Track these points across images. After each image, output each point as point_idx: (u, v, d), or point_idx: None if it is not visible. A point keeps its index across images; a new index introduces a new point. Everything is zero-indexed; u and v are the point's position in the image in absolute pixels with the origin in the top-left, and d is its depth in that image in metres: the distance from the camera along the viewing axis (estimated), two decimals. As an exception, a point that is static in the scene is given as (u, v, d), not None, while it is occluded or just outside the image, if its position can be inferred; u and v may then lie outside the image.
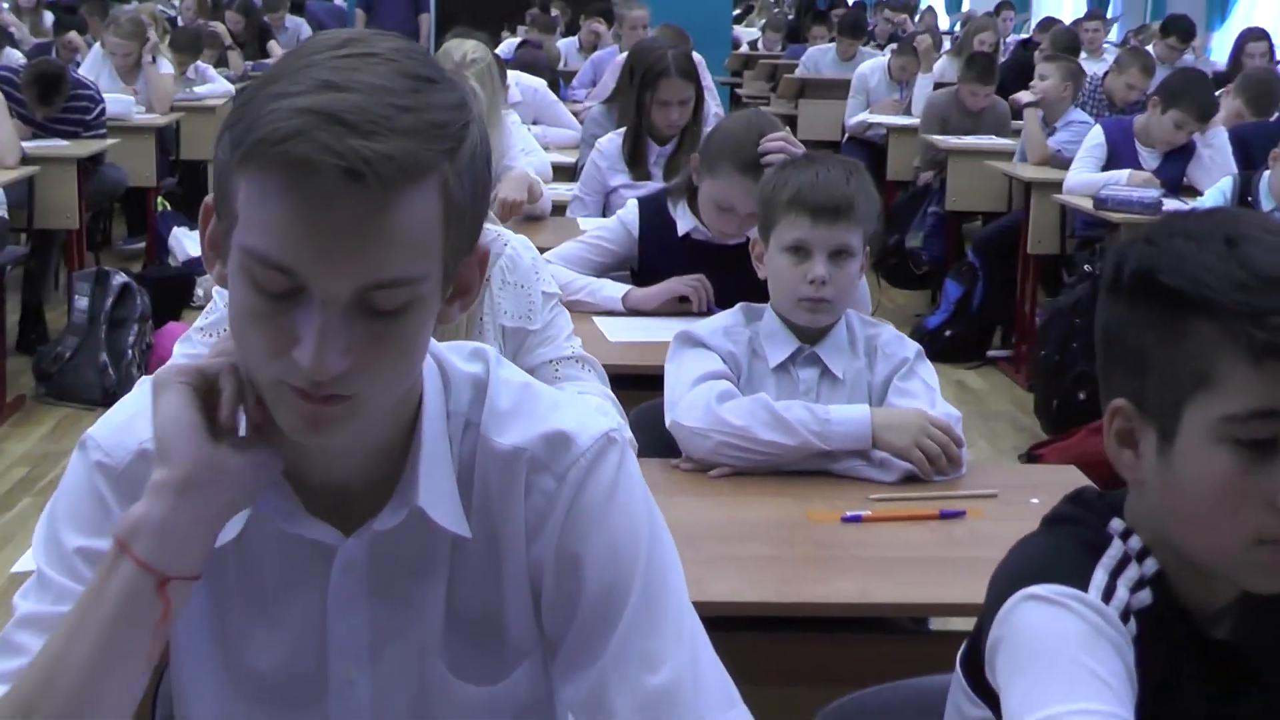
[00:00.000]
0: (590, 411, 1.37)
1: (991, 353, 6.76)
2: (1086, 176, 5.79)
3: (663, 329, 3.20)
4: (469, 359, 1.35)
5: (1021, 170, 6.56)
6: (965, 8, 19.19)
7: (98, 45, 7.79)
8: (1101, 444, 1.40)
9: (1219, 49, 12.35)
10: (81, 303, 5.73)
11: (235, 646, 1.34)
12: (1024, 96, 6.68)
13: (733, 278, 3.50)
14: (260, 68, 10.13)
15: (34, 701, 1.19)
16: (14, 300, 6.24)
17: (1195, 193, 5.70)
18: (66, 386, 5.65)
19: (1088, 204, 5.61)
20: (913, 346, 2.64)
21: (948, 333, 6.56)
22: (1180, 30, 9.92)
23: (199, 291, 6.97)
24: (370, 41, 1.17)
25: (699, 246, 3.55)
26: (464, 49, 4.32)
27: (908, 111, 8.63)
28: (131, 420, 1.31)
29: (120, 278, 5.79)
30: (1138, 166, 5.81)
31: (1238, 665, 1.38)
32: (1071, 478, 2.61)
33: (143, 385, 1.37)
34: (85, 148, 6.24)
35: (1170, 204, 5.35)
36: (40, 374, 5.71)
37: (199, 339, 2.48)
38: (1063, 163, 6.38)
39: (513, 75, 6.17)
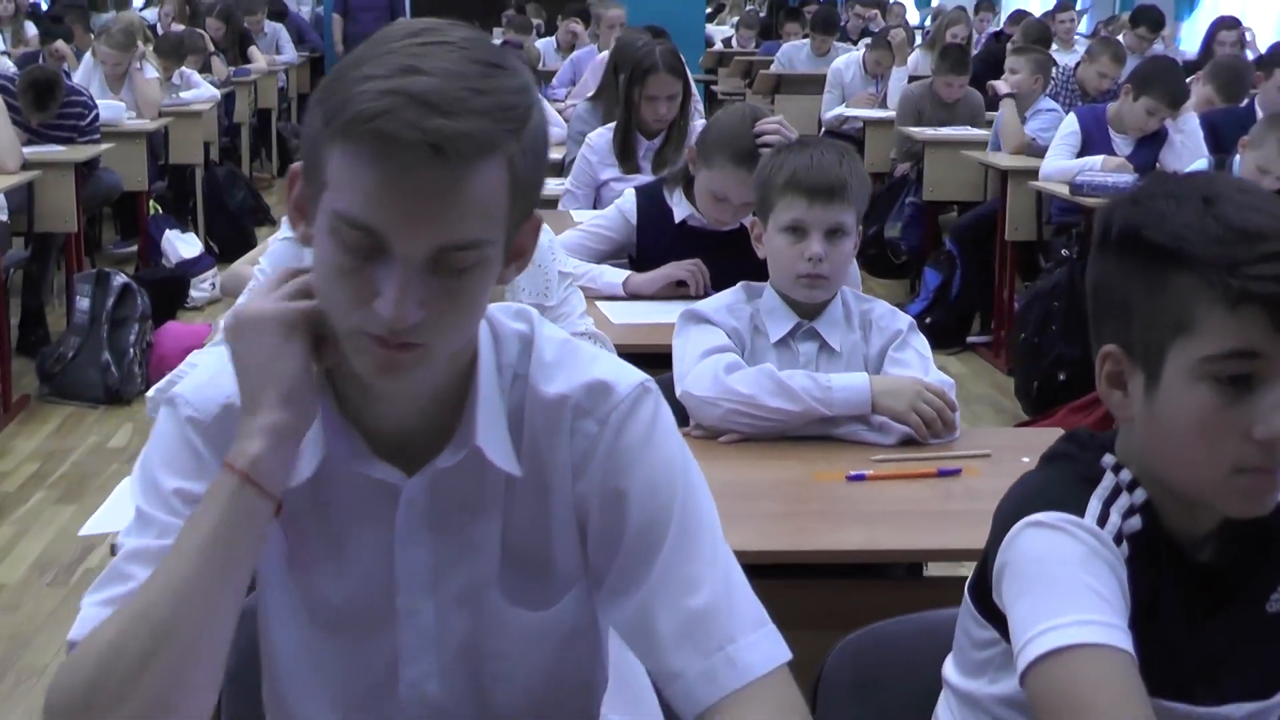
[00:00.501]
0: (625, 364, 1.52)
1: (971, 338, 6.93)
2: (1062, 164, 5.96)
3: (662, 311, 3.37)
4: (515, 318, 1.50)
5: (998, 159, 6.72)
6: (935, 3, 19.35)
7: (89, 54, 7.89)
8: (1081, 421, 1.56)
9: (1188, 39, 12.56)
10: (83, 304, 5.85)
11: (312, 580, 1.48)
12: (1000, 86, 6.83)
13: (727, 262, 3.64)
14: (243, 73, 10.26)
15: (157, 611, 1.32)
16: (14, 303, 6.34)
17: (1167, 177, 5.85)
18: (69, 385, 5.77)
19: (1064, 190, 5.77)
20: (905, 319, 2.79)
21: (928, 320, 6.69)
22: (1150, 20, 10.11)
23: (193, 293, 7.10)
24: (443, 31, 1.31)
25: (695, 233, 3.69)
26: None
27: (883, 105, 8.77)
28: (214, 379, 1.45)
29: (120, 278, 5.91)
30: (1111, 153, 5.98)
31: (1218, 586, 1.53)
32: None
33: (221, 348, 1.52)
34: (82, 153, 6.36)
35: (1143, 188, 5.51)
36: (44, 374, 5.82)
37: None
38: (1036, 151, 6.56)
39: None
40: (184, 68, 8.50)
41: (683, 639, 1.38)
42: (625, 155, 4.97)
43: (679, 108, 4.96)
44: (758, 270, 3.74)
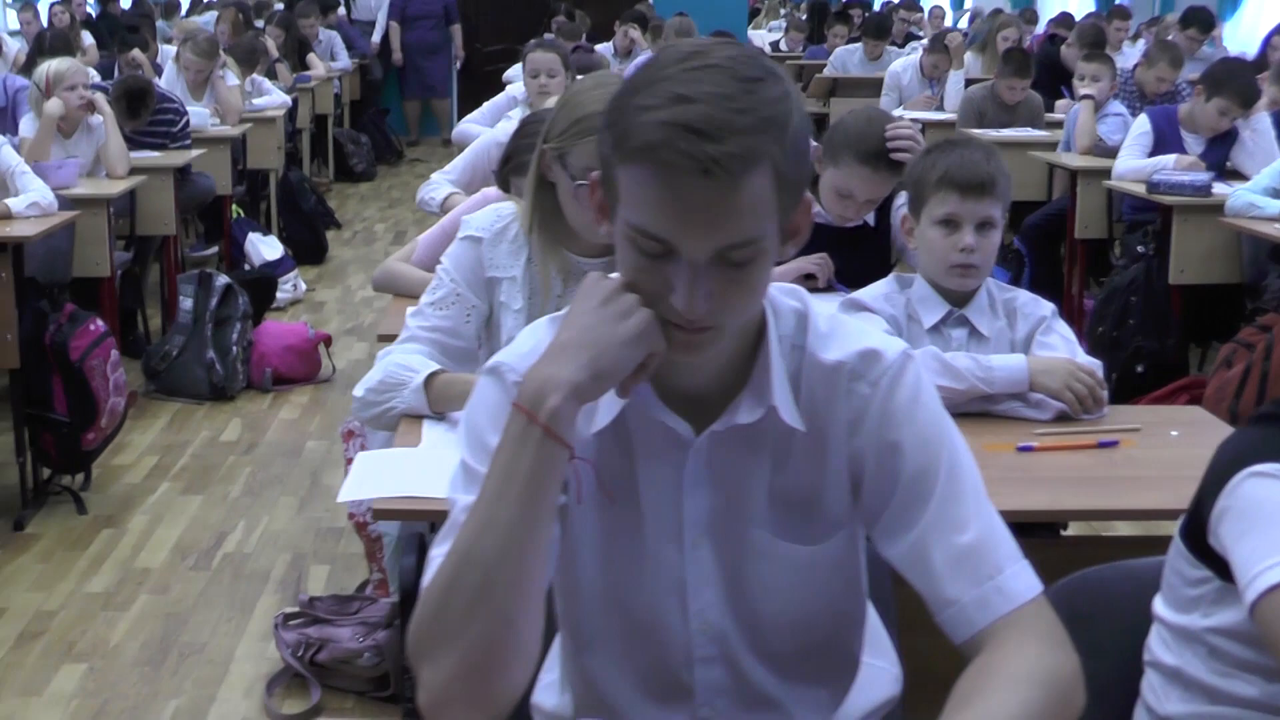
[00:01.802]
0: (888, 335, 1.71)
1: (1040, 333, 7.06)
2: (1135, 163, 6.13)
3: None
4: (789, 295, 1.69)
5: (1069, 159, 6.89)
6: (968, 5, 19.51)
7: (171, 61, 8.10)
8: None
9: (1230, 39, 12.68)
10: (186, 304, 6.04)
11: (614, 514, 1.67)
12: (1083, 89, 6.99)
13: (850, 256, 3.84)
14: (304, 79, 10.45)
15: (483, 552, 1.48)
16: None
17: (1239, 175, 6.03)
18: (174, 383, 5.96)
19: (1139, 189, 5.94)
20: (1048, 306, 2.97)
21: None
22: (1200, 22, 10.25)
23: (279, 295, 7.30)
24: (709, 53, 1.48)
25: (820, 229, 3.85)
26: None
27: (940, 107, 8.95)
28: (535, 349, 1.62)
29: (222, 279, 6.11)
30: (1183, 151, 6.14)
31: None
32: (1197, 415, 2.96)
33: (534, 326, 1.71)
34: (180, 157, 6.56)
35: (1219, 187, 5.69)
36: (149, 372, 6.02)
37: (431, 312, 2.78)
38: (1105, 151, 6.73)
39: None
40: (254, 74, 8.70)
41: (956, 570, 1.56)
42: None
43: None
44: (877, 263, 3.96)
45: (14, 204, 4.89)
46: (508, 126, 5.03)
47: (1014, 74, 7.50)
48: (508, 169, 3.61)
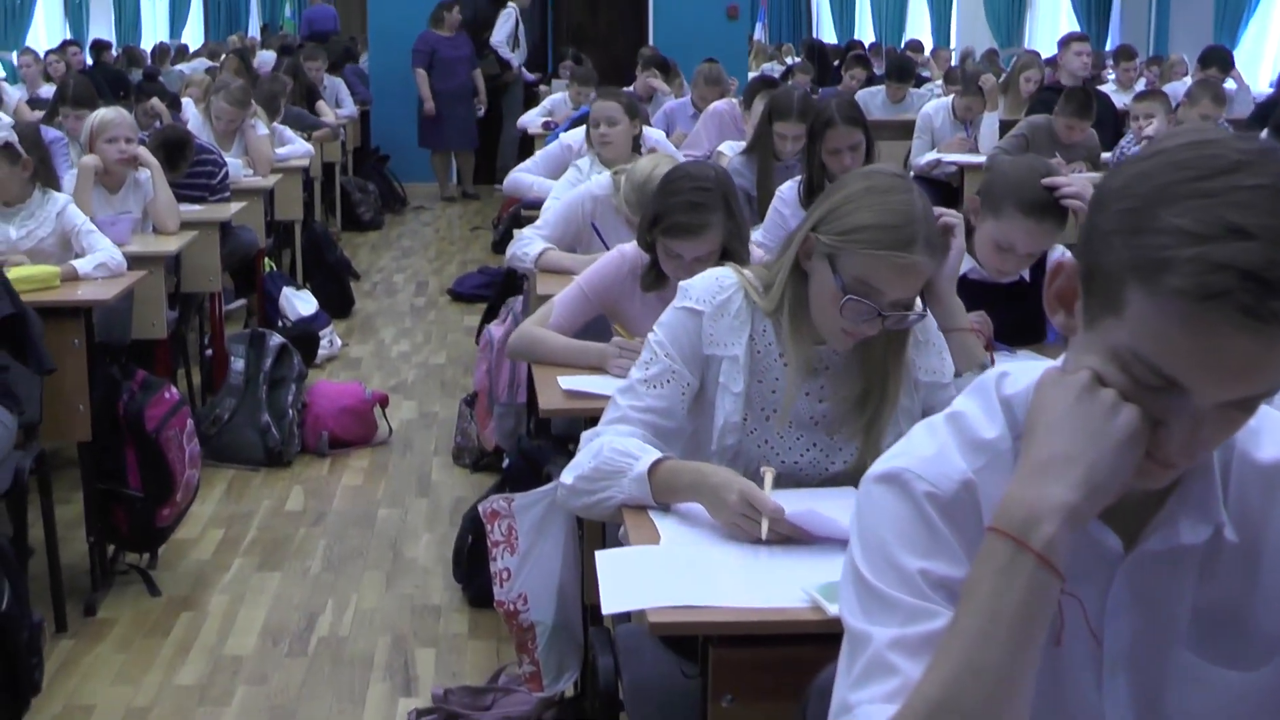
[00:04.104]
0: None
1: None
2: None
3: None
4: None
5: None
6: (954, 43, 19.50)
7: (198, 111, 7.84)
8: None
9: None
10: (237, 364, 5.78)
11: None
12: (1144, 129, 6.87)
13: (1006, 313, 3.62)
14: (321, 124, 10.17)
15: (968, 701, 1.28)
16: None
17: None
18: (226, 448, 5.69)
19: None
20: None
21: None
22: (1220, 61, 10.18)
23: (321, 352, 7.03)
24: (1257, 166, 1.25)
25: (974, 285, 3.65)
26: (652, 172, 4.21)
27: (974, 149, 8.79)
28: (942, 454, 1.44)
29: (276, 338, 5.85)
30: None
31: None
32: None
33: (931, 421, 1.48)
34: (224, 210, 6.30)
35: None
36: (200, 437, 5.72)
37: (644, 390, 2.54)
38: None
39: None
40: (276, 123, 8.46)
41: None
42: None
43: (864, 157, 4.96)
44: (1035, 320, 3.75)
45: (80, 265, 4.63)
46: (602, 180, 4.80)
47: (1075, 114, 7.32)
48: (659, 229, 3.38)
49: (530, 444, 4.47)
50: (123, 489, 4.40)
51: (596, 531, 3.09)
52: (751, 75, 14.81)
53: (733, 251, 3.37)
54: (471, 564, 4.34)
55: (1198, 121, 7.54)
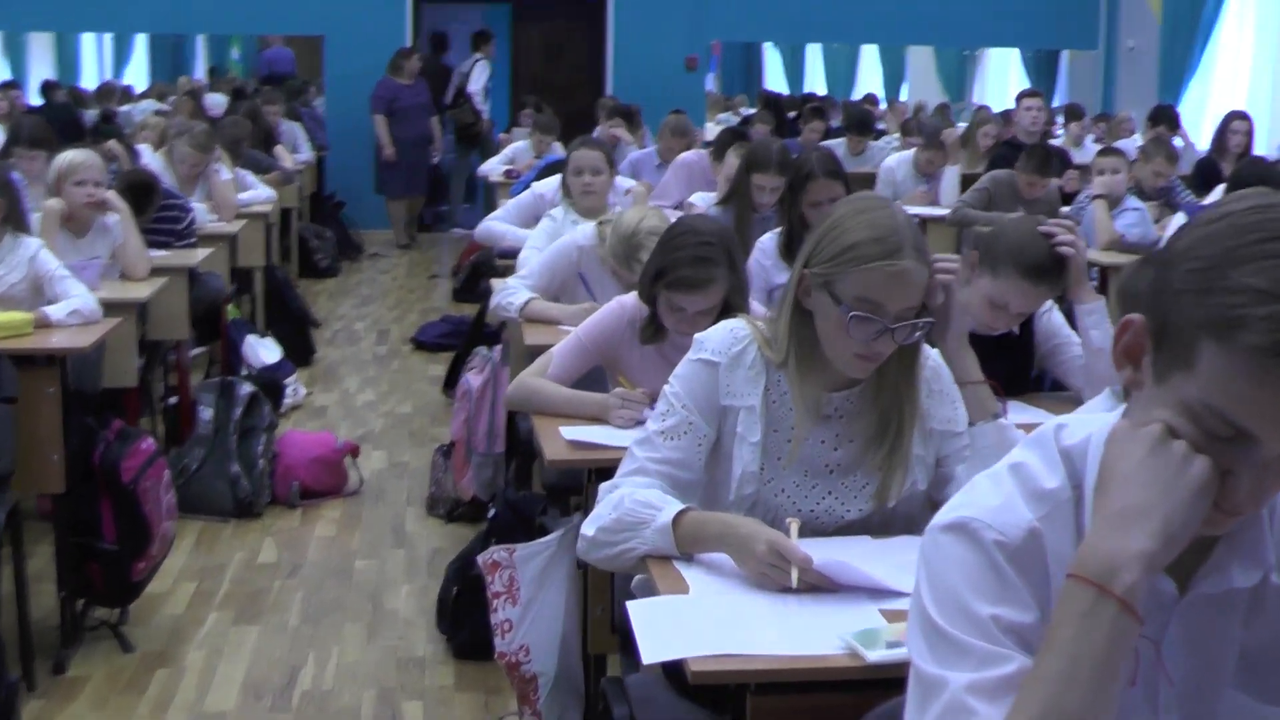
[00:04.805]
0: None
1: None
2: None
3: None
4: None
5: (1096, 257, 6.77)
6: (904, 96, 19.66)
7: (158, 155, 7.77)
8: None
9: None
10: (205, 413, 5.70)
11: None
12: (1097, 186, 6.94)
13: (994, 363, 3.60)
14: (283, 170, 10.09)
15: None
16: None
17: None
18: (195, 499, 5.58)
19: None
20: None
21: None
22: (1168, 119, 10.33)
23: (285, 401, 6.95)
24: None
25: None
26: (639, 224, 4.27)
27: (935, 202, 8.85)
28: (1008, 503, 1.48)
29: (246, 387, 5.78)
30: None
31: None
32: None
33: (994, 471, 1.49)
34: (191, 256, 6.22)
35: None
36: (168, 487, 5.64)
37: (661, 442, 2.52)
38: (1125, 247, 6.67)
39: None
40: (238, 168, 8.39)
41: None
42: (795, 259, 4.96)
43: (846, 209, 4.97)
44: (1022, 371, 3.76)
45: (53, 312, 4.54)
46: (586, 229, 4.78)
47: (1036, 170, 7.39)
48: (663, 283, 3.36)
49: (516, 494, 4.44)
50: (97, 542, 4.31)
51: (601, 583, 3.06)
52: (707, 125, 14.94)
53: (734, 305, 3.36)
54: (457, 615, 4.29)
55: (1152, 179, 7.66)
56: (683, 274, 3.32)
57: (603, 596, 3.05)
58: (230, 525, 5.50)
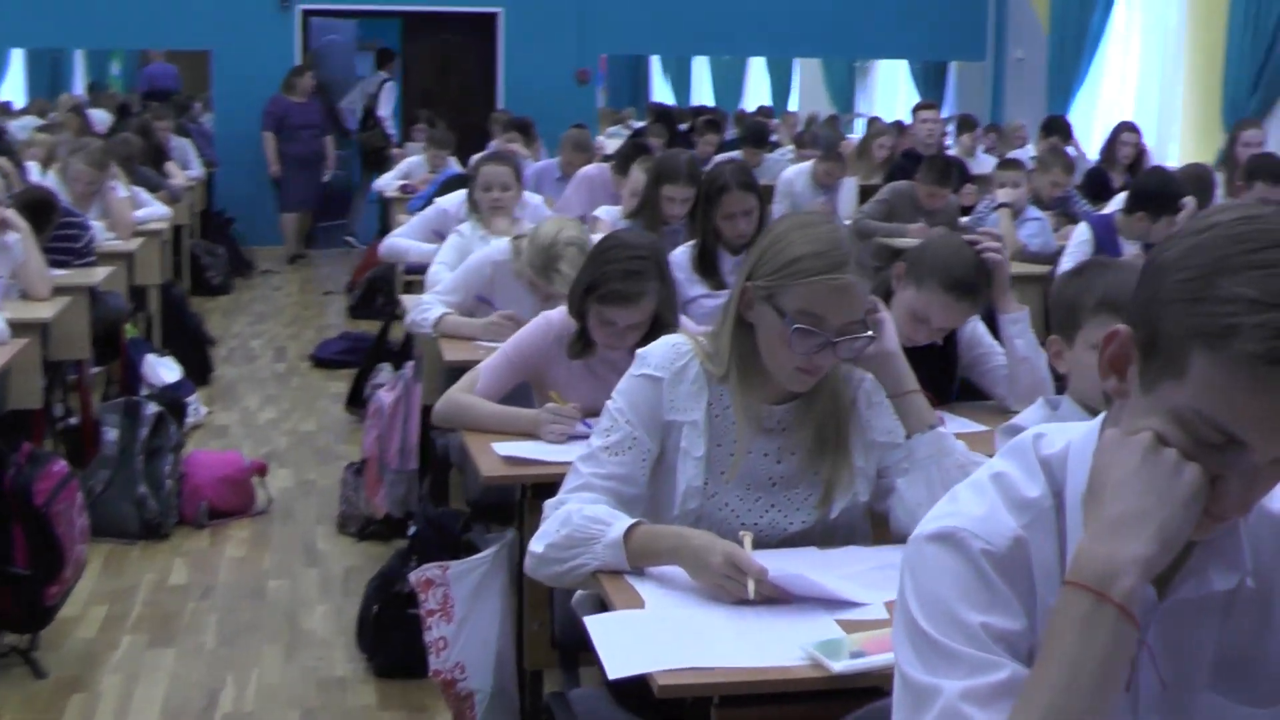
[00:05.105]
0: None
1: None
2: (1085, 269, 6.17)
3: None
4: None
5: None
6: (793, 106, 19.81)
7: (51, 172, 7.63)
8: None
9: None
10: (110, 434, 5.60)
11: None
12: (1001, 196, 7.06)
13: (920, 376, 3.67)
14: (166, 186, 9.96)
15: None
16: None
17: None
18: (100, 521, 5.42)
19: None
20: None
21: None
22: (1060, 129, 10.53)
23: (187, 420, 6.85)
24: None
25: (885, 348, 3.71)
26: (557, 235, 4.31)
27: (834, 213, 8.95)
28: (992, 513, 1.50)
29: (152, 407, 5.69)
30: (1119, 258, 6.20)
31: None
32: None
33: (976, 481, 1.52)
34: (93, 275, 6.12)
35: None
36: (72, 510, 5.53)
37: (606, 458, 2.53)
38: (1027, 256, 6.80)
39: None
40: (133, 185, 8.26)
41: None
42: (709, 272, 5.01)
43: (758, 221, 5.03)
44: (943, 382, 3.83)
45: (-40, 334, 4.46)
46: (501, 244, 4.79)
47: (936, 181, 7.52)
48: (594, 296, 3.37)
49: (436, 511, 4.42)
50: (8, 567, 4.22)
51: (537, 599, 3.06)
52: (599, 139, 14.97)
53: (664, 319, 3.39)
54: (378, 634, 4.26)
55: (1050, 189, 7.82)
56: (614, 287, 3.34)
57: (539, 612, 3.05)
58: (138, 547, 5.42)
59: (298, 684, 4.22)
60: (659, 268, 3.40)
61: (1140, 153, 9.73)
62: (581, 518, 2.42)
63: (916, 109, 9.84)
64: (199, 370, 8.12)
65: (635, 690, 2.48)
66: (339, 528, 5.62)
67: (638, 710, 2.58)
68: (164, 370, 7.13)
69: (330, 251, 13.82)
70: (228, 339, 9.57)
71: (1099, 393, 2.74)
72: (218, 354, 8.87)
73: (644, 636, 2.12)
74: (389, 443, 5.31)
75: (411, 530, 4.28)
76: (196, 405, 7.21)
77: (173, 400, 6.53)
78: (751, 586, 2.24)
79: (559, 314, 3.59)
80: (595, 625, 2.16)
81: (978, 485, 1.53)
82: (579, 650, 2.82)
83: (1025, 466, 1.52)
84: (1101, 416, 1.52)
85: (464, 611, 3.21)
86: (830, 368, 2.54)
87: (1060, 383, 3.02)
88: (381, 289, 10.50)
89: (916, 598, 1.48)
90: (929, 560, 1.49)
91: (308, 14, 13.97)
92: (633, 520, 2.41)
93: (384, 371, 7.23)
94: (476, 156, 6.98)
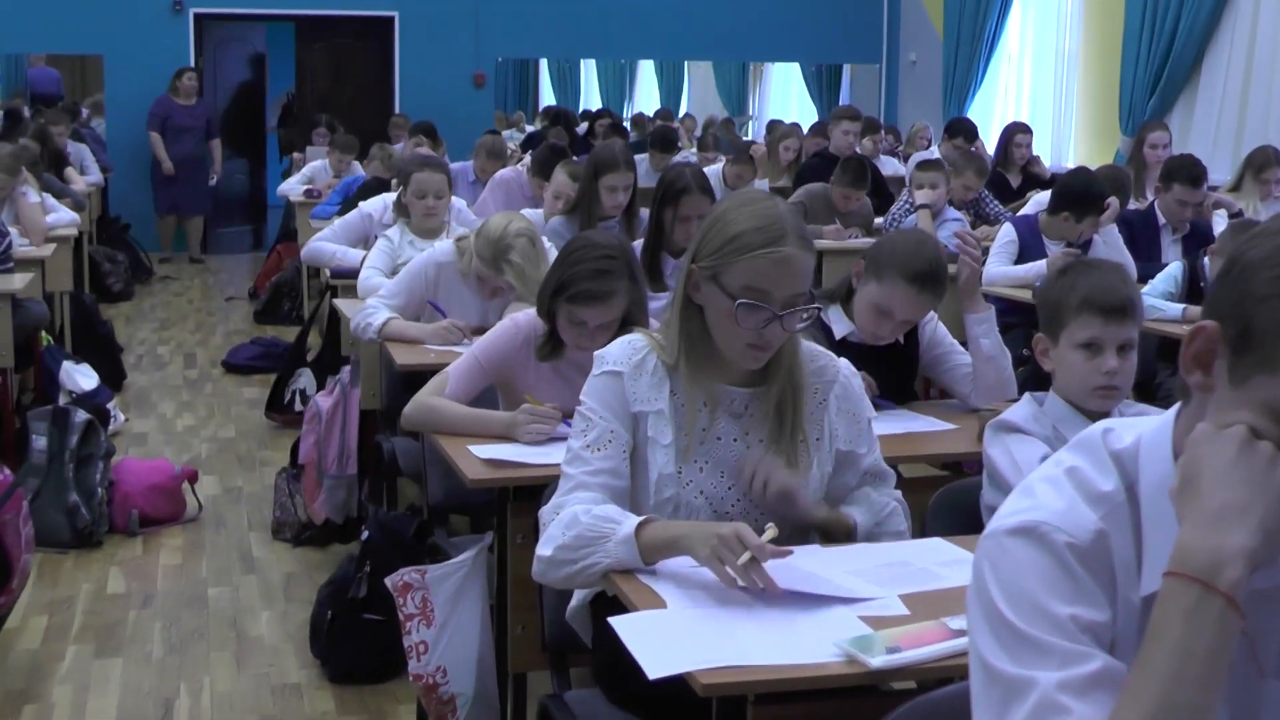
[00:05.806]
0: None
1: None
2: (1006, 269, 6.31)
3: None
4: None
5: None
6: (683, 109, 19.89)
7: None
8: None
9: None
10: (39, 443, 5.52)
11: None
12: (921, 198, 7.17)
13: (879, 373, 3.76)
14: (70, 193, 9.80)
15: None
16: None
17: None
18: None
19: (1012, 293, 6.10)
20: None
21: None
22: (965, 131, 10.68)
23: (110, 426, 6.76)
24: None
25: (850, 347, 3.77)
26: (506, 227, 4.39)
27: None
28: (1073, 506, 1.52)
29: (81, 414, 5.61)
30: (1044, 258, 6.34)
31: None
32: None
33: (1049, 475, 1.56)
34: (12, 282, 6.02)
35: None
36: (-1, 520, 5.43)
37: (590, 455, 2.56)
38: (949, 257, 6.91)
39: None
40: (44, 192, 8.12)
41: None
42: (654, 275, 5.05)
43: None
44: (906, 380, 3.90)
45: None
46: (445, 246, 4.80)
47: (850, 183, 7.62)
48: (564, 296, 3.40)
49: (387, 515, 4.41)
50: (-46, 578, 4.15)
51: (522, 602, 3.08)
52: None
53: (633, 318, 3.42)
54: (332, 640, 4.24)
55: (962, 192, 7.96)
56: (584, 287, 3.37)
57: (524, 615, 3.07)
58: (71, 556, 5.34)
59: (251, 692, 4.19)
60: (629, 267, 3.43)
61: (1032, 154, 9.97)
62: (591, 517, 2.44)
63: (837, 117, 9.91)
64: (112, 377, 8.00)
65: (631, 691, 2.52)
66: (273, 534, 5.57)
67: (636, 711, 2.61)
68: (81, 377, 7.03)
69: (228, 257, 13.66)
70: (134, 345, 9.43)
71: (1088, 391, 2.87)
72: (126, 360, 8.74)
73: (675, 637, 2.13)
74: (327, 448, 5.29)
75: (364, 535, 4.26)
76: (115, 412, 7.11)
77: (96, 407, 6.44)
78: (746, 556, 2.25)
79: (526, 316, 3.61)
80: (624, 626, 2.17)
81: (1053, 479, 1.55)
82: (568, 653, 2.86)
83: (1096, 461, 1.54)
84: (1174, 410, 1.54)
85: (444, 615, 3.22)
86: (781, 344, 2.58)
87: (1041, 382, 3.10)
88: (288, 294, 10.43)
89: (1000, 591, 1.49)
90: (1012, 554, 1.50)
91: (200, 18, 13.80)
92: (640, 517, 2.43)
93: (304, 377, 7.21)
94: (408, 160, 6.98)
